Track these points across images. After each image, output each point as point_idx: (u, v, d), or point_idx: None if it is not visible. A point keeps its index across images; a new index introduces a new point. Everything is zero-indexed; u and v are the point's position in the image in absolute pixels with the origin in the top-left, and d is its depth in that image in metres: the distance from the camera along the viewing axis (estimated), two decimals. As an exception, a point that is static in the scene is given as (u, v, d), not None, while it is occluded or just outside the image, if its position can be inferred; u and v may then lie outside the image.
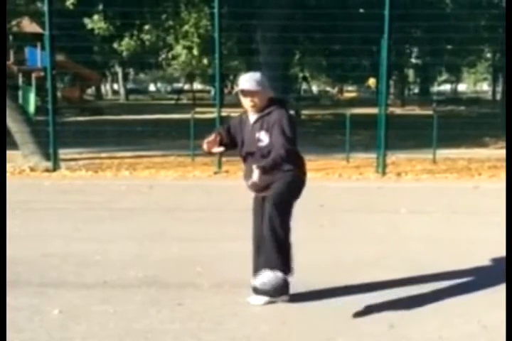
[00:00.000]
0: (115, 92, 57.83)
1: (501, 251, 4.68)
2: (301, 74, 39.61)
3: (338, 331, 3.48)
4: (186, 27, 15.57)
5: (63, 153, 10.63)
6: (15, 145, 10.38)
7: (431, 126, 11.12)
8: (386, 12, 9.67)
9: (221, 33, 10.18)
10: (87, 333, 3.43)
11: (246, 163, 3.88)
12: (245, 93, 3.76)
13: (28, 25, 24.81)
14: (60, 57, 22.11)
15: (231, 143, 3.92)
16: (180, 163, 10.82)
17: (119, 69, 48.91)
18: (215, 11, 10.07)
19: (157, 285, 4.24)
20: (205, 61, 16.32)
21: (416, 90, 59.01)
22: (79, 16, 15.91)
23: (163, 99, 51.79)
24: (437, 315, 3.72)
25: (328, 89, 61.39)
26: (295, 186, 3.77)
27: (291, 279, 3.87)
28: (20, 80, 24.00)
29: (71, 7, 14.94)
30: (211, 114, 12.09)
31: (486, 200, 7.66)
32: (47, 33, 10.03)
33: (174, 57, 17.31)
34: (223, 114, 10.01)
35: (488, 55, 37.28)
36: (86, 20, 16.06)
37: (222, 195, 8.00)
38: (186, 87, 52.30)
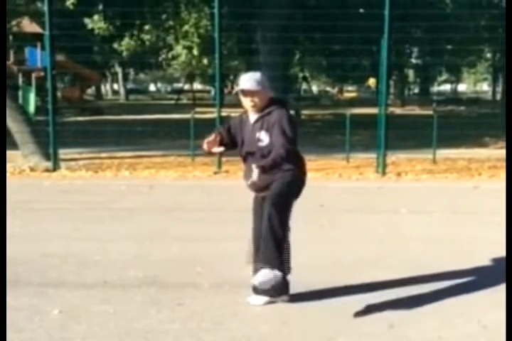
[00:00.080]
0: (115, 92, 57.83)
1: (501, 251, 4.68)
2: (301, 74, 39.62)
3: (338, 331, 3.48)
4: (186, 27, 15.57)
5: (63, 153, 10.64)
6: (15, 145, 10.38)
7: (431, 126, 11.12)
8: (386, 12, 9.67)
9: (221, 33, 10.18)
10: (87, 333, 3.43)
11: (246, 162, 3.87)
12: (245, 93, 3.76)
13: (28, 25, 24.82)
14: (60, 57, 22.10)
15: (231, 142, 3.91)
16: (180, 163, 10.82)
17: (119, 69, 48.91)
18: (215, 11, 10.07)
19: (157, 285, 4.24)
20: (205, 61, 16.33)
21: (416, 90, 59.02)
22: (79, 16, 15.91)
23: (163, 99, 51.79)
24: (437, 315, 3.72)
25: (328, 89, 61.40)
26: (294, 186, 3.76)
27: (290, 279, 3.88)
28: (20, 80, 24.01)
29: (71, 7, 14.95)
30: (211, 114, 12.09)
31: (486, 200, 7.66)
32: (47, 33, 10.03)
33: (174, 57, 17.32)
34: (223, 114, 10.01)
35: (488, 55, 37.28)
36: (86, 20, 16.06)
37: (222, 195, 8.00)
38: (186, 87, 52.31)
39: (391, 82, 35.69)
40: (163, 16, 16.40)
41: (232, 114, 5.12)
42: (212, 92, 42.99)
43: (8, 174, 9.31)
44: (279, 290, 3.79)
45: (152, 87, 75.79)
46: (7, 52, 20.96)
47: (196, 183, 8.98)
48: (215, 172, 9.79)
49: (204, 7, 15.50)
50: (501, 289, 3.97)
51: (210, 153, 3.86)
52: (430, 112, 13.79)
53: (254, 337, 3.40)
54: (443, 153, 11.26)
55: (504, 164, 8.88)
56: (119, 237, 5.62)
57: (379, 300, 3.92)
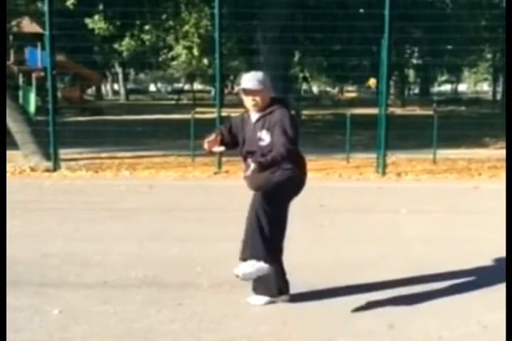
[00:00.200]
0: (115, 92, 57.83)
1: (501, 251, 4.68)
2: (301, 75, 39.61)
3: (338, 331, 3.48)
4: (186, 27, 15.58)
5: (63, 153, 10.64)
6: (15, 145, 10.39)
7: (431, 126, 11.11)
8: (386, 12, 9.67)
9: (221, 33, 10.17)
10: (87, 333, 3.43)
11: (246, 162, 3.87)
12: (247, 92, 3.75)
13: (28, 25, 24.84)
14: (60, 57, 22.16)
15: (232, 142, 3.90)
16: (181, 163, 10.82)
17: (119, 70, 48.92)
18: (215, 11, 10.07)
19: (157, 285, 4.25)
20: (205, 61, 16.33)
21: (416, 90, 59.06)
22: (79, 16, 15.91)
23: (163, 99, 51.80)
24: (437, 315, 3.72)
25: (328, 89, 61.40)
26: (291, 183, 3.71)
27: (290, 279, 3.88)
28: (21, 80, 24.03)
29: (71, 7, 14.96)
30: (211, 114, 12.09)
31: (486, 200, 7.66)
32: (47, 33, 10.03)
33: (174, 58, 17.32)
34: (223, 114, 10.02)
35: (489, 56, 37.29)
36: (86, 20, 16.07)
37: (222, 195, 8.00)
38: (186, 87, 52.36)
39: (391, 82, 35.70)
40: (164, 16, 16.41)
41: (233, 114, 5.12)
42: (213, 92, 42.99)
43: (8, 174, 9.32)
44: (269, 286, 3.78)
45: (152, 87, 75.79)
46: (7, 52, 20.98)
47: (196, 183, 8.98)
48: (215, 173, 9.79)
49: (204, 7, 15.51)
50: (501, 289, 3.97)
51: (210, 153, 3.86)
52: (430, 112, 13.79)
53: (254, 337, 3.40)
54: (443, 153, 11.26)
55: (504, 164, 8.88)
56: (119, 237, 5.63)
57: (379, 300, 3.92)
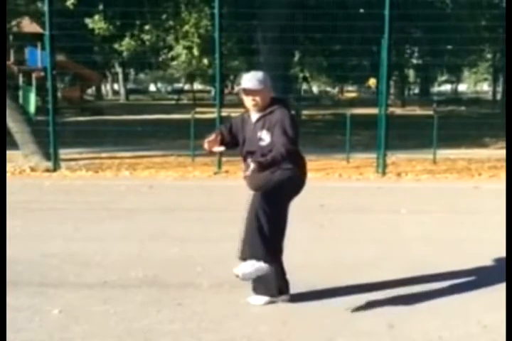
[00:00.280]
0: (115, 92, 57.83)
1: (501, 251, 4.68)
2: (301, 75, 39.61)
3: (338, 331, 3.48)
4: (186, 27, 15.58)
5: (63, 153, 10.64)
6: (15, 145, 10.39)
7: (431, 126, 11.11)
8: (386, 12, 9.67)
9: (221, 33, 10.18)
10: (87, 333, 3.43)
11: (246, 162, 3.86)
12: (247, 92, 3.74)
13: (28, 25, 24.82)
14: (60, 57, 22.14)
15: (232, 142, 3.90)
16: (181, 163, 10.82)
17: (119, 70, 48.92)
18: (215, 11, 10.07)
19: (157, 285, 4.25)
20: (205, 61, 16.32)
21: (416, 90, 59.06)
22: (79, 16, 15.91)
23: (163, 99, 51.80)
24: (437, 314, 3.72)
25: (328, 89, 61.40)
26: (290, 183, 3.70)
27: (290, 279, 3.88)
28: (21, 80, 24.03)
29: (71, 7, 14.95)
30: (211, 114, 12.09)
31: (486, 200, 7.66)
32: (47, 33, 10.03)
33: (174, 58, 17.32)
34: (223, 114, 10.02)
35: (489, 56, 37.29)
36: (86, 20, 16.06)
37: (222, 195, 8.00)
38: (186, 87, 52.36)
39: (391, 82, 35.69)
40: (164, 16, 16.40)
41: (233, 114, 5.12)
42: (213, 92, 43.01)
43: (8, 174, 9.32)
44: (269, 285, 3.79)
45: (152, 87, 75.77)
46: (7, 52, 20.98)
47: (196, 183, 8.98)
48: (215, 173, 9.79)
49: (204, 7, 15.51)
50: (501, 289, 3.97)
51: (210, 153, 3.85)
52: (430, 112, 13.79)
53: (254, 337, 3.40)
54: (443, 153, 11.26)
55: (504, 164, 8.88)
56: (119, 237, 5.63)
57: (379, 300, 3.93)
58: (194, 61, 16.57)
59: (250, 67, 20.70)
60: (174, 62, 18.53)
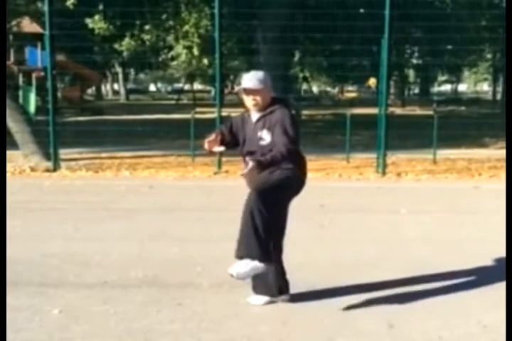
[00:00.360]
0: (115, 92, 57.83)
1: (501, 251, 4.68)
2: (301, 75, 39.62)
3: (338, 331, 3.48)
4: (186, 27, 15.57)
5: (63, 153, 10.64)
6: (15, 145, 10.39)
7: (431, 126, 11.11)
8: (386, 12, 9.67)
9: (221, 33, 10.17)
10: (87, 333, 3.43)
11: (245, 161, 3.86)
12: (248, 92, 3.74)
13: (28, 25, 24.82)
14: (60, 57, 22.16)
15: (232, 141, 3.89)
16: (181, 163, 10.82)
17: (119, 70, 48.92)
18: (216, 11, 10.07)
19: (157, 285, 4.25)
20: (205, 61, 16.32)
21: (416, 90, 59.06)
22: (79, 16, 15.91)
23: (163, 99, 51.80)
24: (437, 314, 3.72)
25: (328, 89, 61.41)
26: (290, 183, 3.69)
27: (290, 278, 3.88)
28: (21, 80, 24.04)
29: (71, 7, 14.95)
30: (211, 114, 12.09)
31: (486, 200, 7.66)
32: (47, 32, 10.03)
33: (174, 58, 17.32)
34: (223, 114, 10.02)
35: (489, 56, 37.30)
36: (86, 20, 16.06)
37: (222, 195, 8.00)
38: (186, 87, 52.37)
39: (391, 82, 35.71)
40: (164, 16, 16.40)
41: (233, 114, 5.12)
42: (213, 92, 43.01)
43: (8, 174, 9.32)
44: (269, 285, 3.78)
45: (152, 87, 75.77)
46: (7, 52, 20.97)
47: (196, 183, 8.98)
48: (215, 173, 9.79)
49: (204, 7, 15.50)
50: (501, 289, 3.97)
51: (210, 153, 3.85)
52: (430, 112, 13.79)
53: (254, 337, 3.40)
54: (443, 153, 11.26)
55: (504, 164, 8.88)
56: (119, 237, 5.63)
57: (379, 300, 3.93)
58: (194, 61, 16.57)
59: (250, 67, 20.70)
60: (174, 62, 18.52)
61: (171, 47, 17.51)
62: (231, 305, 3.85)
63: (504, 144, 11.12)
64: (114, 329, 3.49)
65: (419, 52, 31.76)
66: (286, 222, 3.75)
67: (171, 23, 16.33)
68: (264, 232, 3.49)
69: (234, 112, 5.60)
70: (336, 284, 4.22)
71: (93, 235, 5.72)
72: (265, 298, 3.87)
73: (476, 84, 72.38)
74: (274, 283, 3.84)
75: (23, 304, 3.85)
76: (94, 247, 5.23)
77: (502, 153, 10.59)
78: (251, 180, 3.72)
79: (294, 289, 3.91)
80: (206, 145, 3.75)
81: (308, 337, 3.42)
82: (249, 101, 3.76)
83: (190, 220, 6.37)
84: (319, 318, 3.66)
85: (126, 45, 17.10)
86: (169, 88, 68.77)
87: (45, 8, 10.20)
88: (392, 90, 38.61)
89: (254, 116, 3.81)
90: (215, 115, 10.25)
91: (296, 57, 28.06)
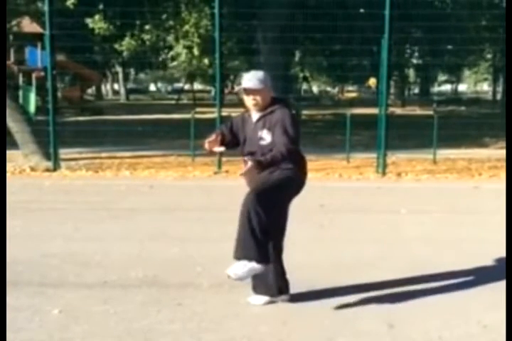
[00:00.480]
0: (115, 92, 57.83)
1: (501, 251, 4.68)
2: (301, 75, 39.64)
3: (338, 331, 3.48)
4: (187, 27, 15.58)
5: (63, 152, 10.64)
6: (15, 145, 10.39)
7: (431, 126, 11.11)
8: (386, 12, 9.67)
9: (221, 32, 10.18)
10: (87, 333, 3.43)
11: (245, 160, 3.85)
12: (248, 91, 3.73)
13: (29, 25, 24.80)
14: (60, 57, 22.16)
15: (233, 141, 3.89)
16: (181, 163, 10.82)
17: (119, 69, 48.92)
18: (216, 10, 10.07)
19: (157, 285, 4.25)
20: (205, 61, 16.33)
21: (416, 90, 59.07)
22: (79, 16, 15.91)
23: (163, 99, 51.81)
24: (437, 314, 3.72)
25: (328, 89, 61.41)
26: (290, 183, 3.68)
27: (290, 278, 3.88)
28: (21, 80, 24.05)
29: (71, 7, 14.95)
30: (211, 114, 12.10)
31: (486, 200, 7.66)
32: (47, 32, 10.04)
33: (174, 57, 17.32)
34: (223, 113, 10.02)
35: (489, 56, 37.30)
36: (86, 20, 16.06)
37: (222, 195, 7.99)
38: (187, 87, 52.35)
39: (391, 82, 35.70)
40: (164, 16, 16.41)
41: (233, 114, 5.12)
42: (213, 92, 43.01)
43: (8, 174, 9.32)
44: (269, 285, 3.78)
45: (152, 87, 75.79)
46: (7, 52, 20.98)
47: (196, 183, 8.98)
48: (215, 173, 9.79)
49: (204, 7, 15.51)
50: (501, 289, 3.97)
51: (211, 152, 3.85)
52: (430, 112, 13.80)
53: (254, 337, 3.40)
54: (443, 153, 11.27)
55: (504, 164, 8.88)
56: (119, 237, 5.63)
57: (379, 300, 3.93)
58: (194, 61, 16.58)
59: (250, 66, 20.71)
60: (174, 62, 18.51)
61: (171, 47, 17.52)
62: (231, 305, 3.85)
63: (504, 144, 11.12)
64: (114, 329, 3.49)
65: (419, 52, 31.78)
66: (287, 222, 3.75)
67: (171, 22, 16.34)
68: (262, 233, 3.48)
69: (234, 112, 5.60)
70: (336, 284, 4.22)
71: (93, 235, 5.72)
72: (265, 298, 3.87)
73: (476, 84, 72.39)
74: (274, 283, 3.84)
75: (23, 304, 3.85)
76: (94, 247, 5.23)
77: (502, 153, 10.59)
78: (251, 179, 3.72)
79: (294, 289, 3.91)
80: (206, 145, 3.75)
81: (308, 337, 3.42)
82: (249, 101, 3.76)
83: (190, 220, 6.37)
84: (319, 318, 3.66)
85: (126, 44, 17.10)
86: (169, 88, 68.78)
87: (45, 8, 10.20)
88: (392, 90, 38.60)
89: (255, 116, 3.81)
90: (215, 115, 10.25)
91: (297, 57, 28.09)
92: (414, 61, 35.67)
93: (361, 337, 3.42)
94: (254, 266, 3.50)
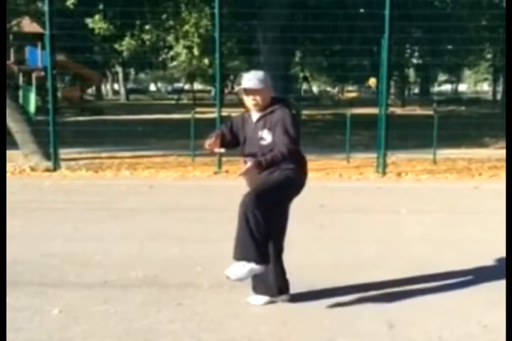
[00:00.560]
0: (115, 92, 57.83)
1: (501, 251, 4.68)
2: (301, 74, 39.63)
3: (338, 331, 3.48)
4: (187, 27, 15.57)
5: (63, 152, 10.64)
6: (15, 145, 10.39)
7: (431, 126, 11.11)
8: (386, 12, 9.67)
9: (221, 32, 10.18)
10: (87, 333, 3.43)
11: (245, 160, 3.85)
12: (248, 91, 3.73)
13: (29, 25, 24.80)
14: (60, 57, 22.14)
15: (233, 141, 3.88)
16: (181, 163, 10.82)
17: (119, 69, 48.92)
18: (216, 10, 10.07)
19: (157, 285, 4.25)
20: (205, 61, 16.33)
21: (416, 90, 59.09)
22: (79, 16, 15.91)
23: (163, 99, 51.81)
24: (437, 315, 3.72)
25: (328, 89, 61.41)
26: (290, 183, 3.67)
27: (290, 278, 3.88)
28: (21, 80, 24.04)
29: (71, 7, 14.95)
30: (211, 114, 12.09)
31: (486, 200, 7.66)
32: (47, 32, 10.04)
33: (174, 57, 17.32)
34: (223, 113, 10.02)
35: (489, 56, 37.31)
36: (86, 20, 16.06)
37: (222, 195, 7.99)
38: (187, 87, 52.35)
39: (391, 82, 35.69)
40: (164, 16, 16.40)
41: (233, 114, 5.12)
42: (213, 92, 43.02)
43: (8, 174, 9.32)
44: (269, 285, 3.78)
45: (152, 87, 75.79)
46: (7, 52, 20.98)
47: (196, 183, 8.98)
48: (215, 172, 9.79)
49: (204, 7, 15.51)
50: (501, 289, 3.97)
51: (211, 152, 3.85)
52: (430, 112, 13.79)
53: (254, 337, 3.40)
54: (443, 153, 11.27)
55: (504, 164, 8.88)
56: (119, 237, 5.63)
57: (379, 300, 3.93)
58: (194, 61, 16.57)
59: (250, 66, 20.71)
60: (174, 62, 18.52)
61: (171, 47, 17.51)
62: (231, 305, 3.85)
63: (504, 144, 11.12)
64: (114, 329, 3.49)
65: (419, 52, 31.79)
66: (287, 222, 3.76)
67: (171, 22, 16.33)
68: (260, 234, 3.48)
69: (234, 112, 5.60)
70: (336, 284, 4.22)
71: (93, 235, 5.72)
72: (265, 298, 3.87)
73: (476, 84, 72.41)
74: (274, 283, 3.84)
75: (23, 304, 3.85)
76: (94, 247, 5.23)
77: (502, 153, 10.59)
78: (251, 180, 3.72)
79: (294, 289, 3.91)
80: (207, 146, 3.75)
81: (308, 337, 3.42)
82: (249, 101, 3.76)
83: (190, 220, 6.37)
84: (319, 318, 3.66)
85: (126, 44, 17.10)
86: (169, 88, 68.78)
87: (45, 7, 10.20)
88: (392, 90, 38.62)
89: (255, 116, 3.81)
90: (215, 115, 10.25)
91: (297, 57, 28.08)
92: (414, 61, 35.68)
93: (361, 337, 3.42)
94: (253, 266, 3.50)
